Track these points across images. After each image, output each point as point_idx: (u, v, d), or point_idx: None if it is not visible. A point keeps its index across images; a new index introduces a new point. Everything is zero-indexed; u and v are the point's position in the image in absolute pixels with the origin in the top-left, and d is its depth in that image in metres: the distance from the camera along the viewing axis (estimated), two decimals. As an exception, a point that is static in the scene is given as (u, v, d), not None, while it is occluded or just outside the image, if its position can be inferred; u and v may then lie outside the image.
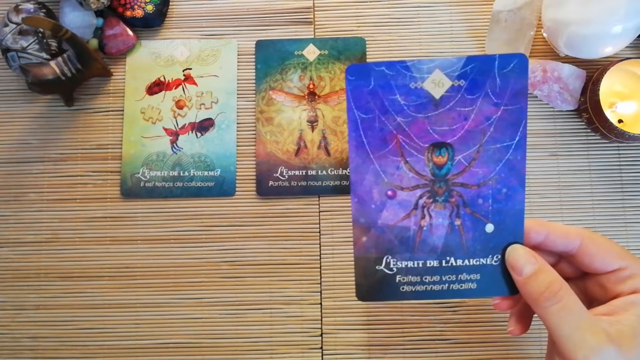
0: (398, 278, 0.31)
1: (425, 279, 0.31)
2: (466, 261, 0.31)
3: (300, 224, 0.50)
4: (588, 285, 0.33)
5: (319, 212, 0.50)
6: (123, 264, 0.50)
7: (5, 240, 0.51)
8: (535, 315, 0.31)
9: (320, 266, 0.49)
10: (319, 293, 0.49)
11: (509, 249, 0.31)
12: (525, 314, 0.35)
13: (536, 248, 0.32)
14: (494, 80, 0.29)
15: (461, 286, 0.31)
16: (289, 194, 0.50)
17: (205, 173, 0.51)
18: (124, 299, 0.49)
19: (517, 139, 0.30)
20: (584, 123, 0.51)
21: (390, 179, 0.30)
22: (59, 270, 0.50)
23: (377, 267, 0.31)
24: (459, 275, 0.31)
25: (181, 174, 0.51)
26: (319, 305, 0.49)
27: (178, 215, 0.51)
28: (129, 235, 0.50)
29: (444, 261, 0.31)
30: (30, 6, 0.50)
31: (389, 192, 0.30)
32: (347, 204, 0.50)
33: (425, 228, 0.31)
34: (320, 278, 0.49)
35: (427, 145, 0.30)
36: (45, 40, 0.50)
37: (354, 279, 0.32)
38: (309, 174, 0.51)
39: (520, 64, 0.29)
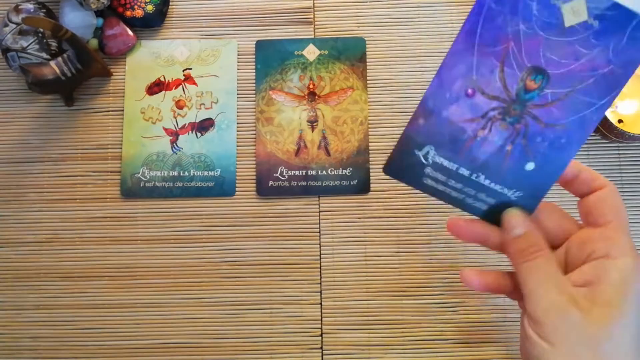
0: (428, 170, 0.31)
1: (450, 182, 0.31)
2: (492, 184, 0.31)
3: (300, 224, 0.50)
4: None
5: (319, 212, 0.50)
6: (123, 264, 0.50)
7: (5, 240, 0.51)
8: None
9: (320, 266, 0.49)
10: (319, 293, 0.49)
11: (507, 210, 0.31)
12: (491, 283, 0.33)
13: (567, 184, 0.32)
14: (622, 38, 0.28)
15: (474, 203, 0.32)
16: (289, 194, 0.50)
17: (205, 173, 0.51)
18: (124, 299, 0.49)
19: (604, 101, 0.29)
20: (584, 123, 0.51)
21: (478, 77, 0.29)
22: (59, 270, 0.50)
23: (415, 152, 0.31)
24: (479, 194, 0.31)
25: (181, 174, 0.51)
26: (319, 305, 0.49)
27: (178, 215, 0.51)
28: (129, 235, 0.50)
29: (474, 175, 0.31)
30: (30, 6, 0.50)
31: (469, 91, 0.30)
32: (347, 204, 0.50)
33: (478, 139, 0.30)
34: (320, 278, 0.49)
35: (529, 65, 0.29)
36: (45, 40, 0.50)
37: (385, 168, 0.31)
38: (309, 174, 0.51)
39: None
